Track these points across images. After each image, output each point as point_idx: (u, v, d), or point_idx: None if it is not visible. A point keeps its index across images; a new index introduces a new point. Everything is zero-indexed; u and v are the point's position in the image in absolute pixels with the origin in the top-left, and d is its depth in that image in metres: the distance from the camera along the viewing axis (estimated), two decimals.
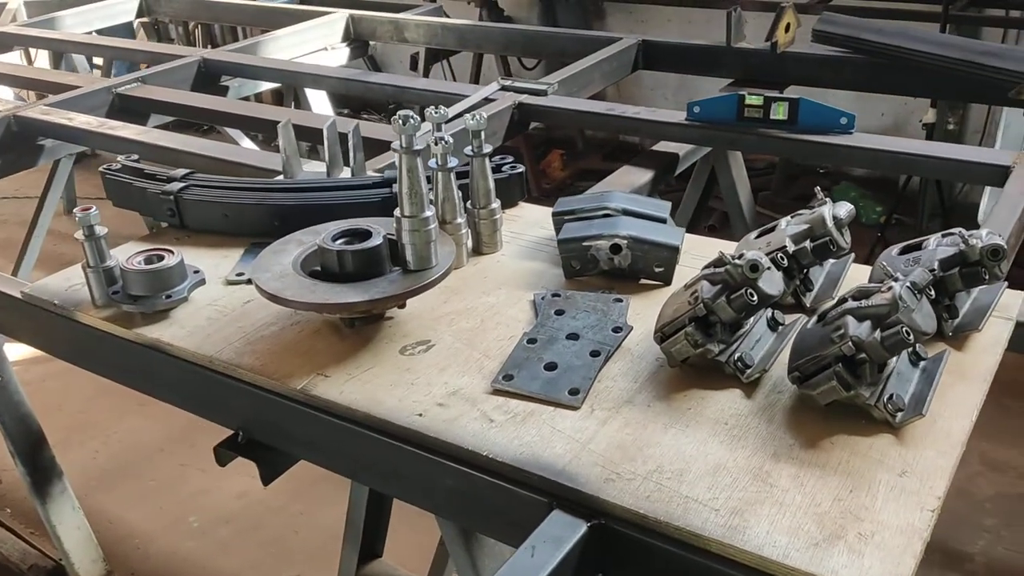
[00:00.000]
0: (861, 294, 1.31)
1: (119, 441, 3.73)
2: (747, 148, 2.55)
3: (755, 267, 1.36)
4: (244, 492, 3.36)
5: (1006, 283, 1.54)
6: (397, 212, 1.53)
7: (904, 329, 1.23)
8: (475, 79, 5.84)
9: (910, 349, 1.36)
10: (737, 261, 1.37)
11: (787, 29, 3.07)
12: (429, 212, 1.53)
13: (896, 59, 2.84)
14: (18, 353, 4.12)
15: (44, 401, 3.81)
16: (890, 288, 1.27)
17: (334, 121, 2.08)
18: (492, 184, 1.80)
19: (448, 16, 4.77)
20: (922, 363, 1.37)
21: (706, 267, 1.44)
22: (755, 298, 1.36)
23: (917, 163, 2.27)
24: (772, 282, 1.40)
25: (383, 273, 1.55)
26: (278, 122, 2.04)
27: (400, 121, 1.47)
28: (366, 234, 1.57)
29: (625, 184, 2.44)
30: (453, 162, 1.70)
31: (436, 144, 1.67)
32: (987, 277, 1.42)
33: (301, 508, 3.26)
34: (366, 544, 2.19)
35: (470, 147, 1.76)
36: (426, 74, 5.45)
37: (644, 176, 2.50)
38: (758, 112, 2.44)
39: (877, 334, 1.25)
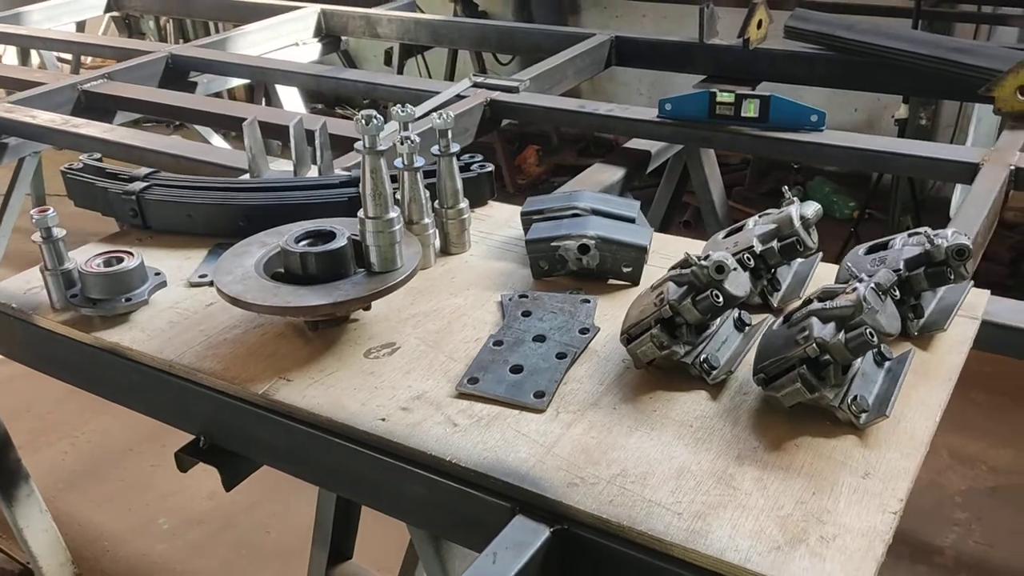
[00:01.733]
0: (826, 295, 1.31)
1: (88, 442, 3.68)
2: (719, 145, 2.55)
3: (721, 268, 1.35)
4: (215, 492, 3.31)
5: (972, 282, 1.54)
6: (361, 213, 1.51)
7: (868, 331, 1.23)
8: (450, 75, 5.81)
9: (875, 350, 1.35)
10: (703, 262, 1.36)
11: (759, 25, 3.07)
12: (394, 213, 1.51)
13: (868, 56, 2.85)
14: None
15: (11, 402, 3.78)
16: (854, 289, 1.27)
17: (301, 119, 2.05)
18: (460, 184, 1.78)
19: (422, 11, 4.75)
20: (887, 363, 1.36)
21: (672, 268, 1.43)
22: (721, 299, 1.35)
23: (887, 160, 2.27)
24: (738, 283, 1.39)
25: (347, 275, 1.53)
26: (247, 119, 2.01)
27: (363, 121, 1.45)
28: (330, 235, 1.55)
29: (596, 182, 2.43)
30: (419, 162, 1.68)
31: (402, 144, 1.65)
32: (952, 277, 1.42)
33: (273, 508, 3.24)
34: (335, 546, 2.17)
35: (437, 146, 1.74)
36: (400, 70, 5.42)
37: (616, 174, 2.49)
38: (729, 109, 2.43)
39: (841, 336, 1.24)
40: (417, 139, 1.65)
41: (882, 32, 2.85)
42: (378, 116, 1.45)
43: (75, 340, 1.63)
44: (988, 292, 1.57)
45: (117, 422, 3.71)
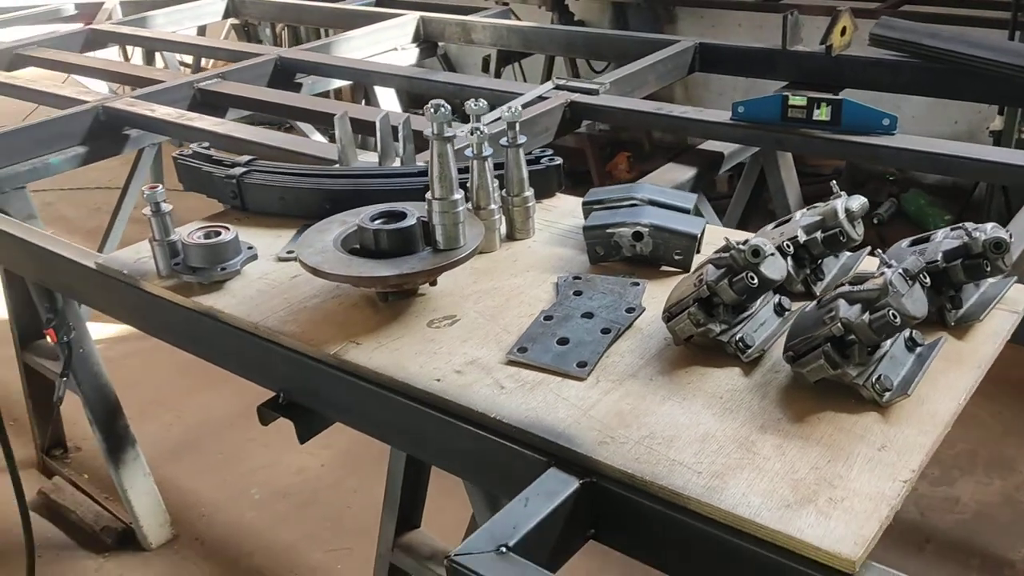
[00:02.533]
0: (857, 280, 1.38)
1: (191, 416, 3.94)
2: (790, 147, 2.60)
3: (757, 252, 1.44)
4: (303, 468, 3.53)
5: (1015, 278, 1.58)
6: (428, 195, 1.65)
7: (891, 312, 1.29)
8: (546, 81, 5.95)
9: (907, 335, 1.41)
10: (741, 246, 1.44)
11: (843, 33, 3.09)
12: (458, 195, 1.65)
13: (951, 63, 2.84)
14: (103, 332, 4.41)
15: (125, 377, 4.06)
16: (882, 274, 1.34)
17: (387, 115, 2.21)
18: (525, 173, 1.90)
19: (519, 19, 4.90)
20: (918, 349, 1.42)
21: (715, 252, 1.52)
22: (756, 281, 1.43)
23: (954, 164, 2.29)
24: (775, 267, 1.47)
25: (415, 251, 1.67)
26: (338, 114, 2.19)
27: (432, 109, 1.59)
28: (401, 215, 1.70)
29: (667, 180, 2.51)
30: (488, 151, 1.81)
31: (471, 134, 1.78)
32: (989, 269, 1.47)
33: (355, 485, 3.42)
34: (404, 514, 2.31)
35: (505, 138, 1.87)
36: (497, 76, 5.58)
37: (687, 173, 2.57)
38: (801, 112, 2.49)
39: (866, 316, 1.31)
40: (486, 130, 1.79)
41: (965, 40, 2.84)
42: (446, 105, 1.59)
43: (176, 304, 1.82)
44: None
45: (219, 399, 3.96)
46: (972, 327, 1.51)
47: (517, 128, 1.87)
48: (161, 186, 1.82)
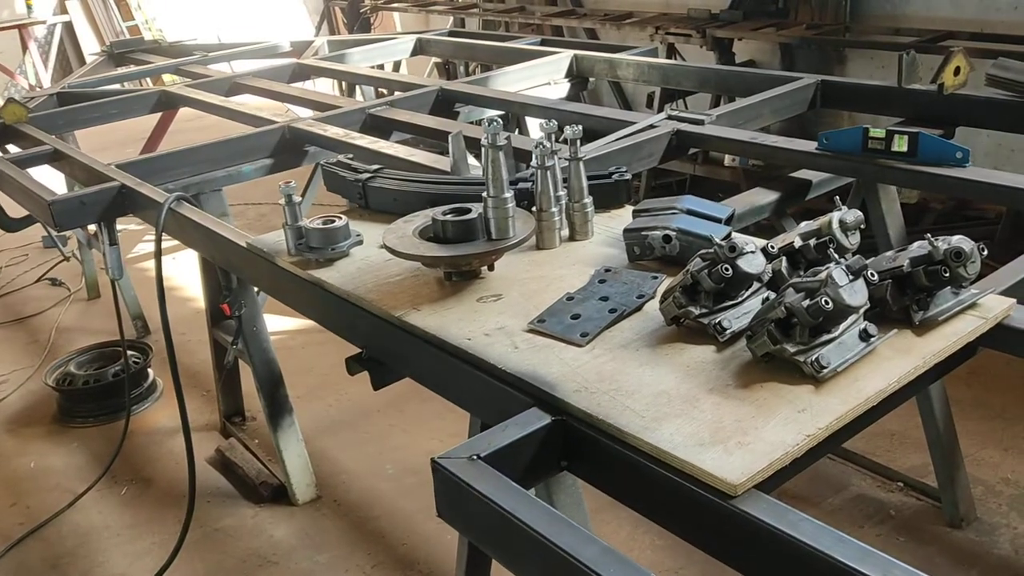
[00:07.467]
0: (811, 274, 1.61)
1: (348, 400, 4.49)
2: (869, 176, 2.75)
3: (733, 248, 1.69)
4: (432, 451, 3.91)
5: (990, 289, 1.73)
6: (484, 193, 2.02)
7: (824, 300, 1.52)
8: None
9: (861, 327, 1.62)
10: (721, 243, 1.71)
11: (956, 72, 3.19)
12: (508, 194, 2.00)
13: None
14: (285, 325, 5.08)
15: (298, 363, 4.69)
16: (827, 269, 1.56)
17: None
18: (585, 183, 2.22)
19: (684, 58, 5.18)
20: (872, 339, 1.62)
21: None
22: (729, 272, 1.69)
23: (1018, 195, 2.38)
24: (753, 263, 1.72)
25: (475, 240, 2.04)
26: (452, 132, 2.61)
27: (486, 123, 1.96)
28: (467, 211, 2.07)
29: (748, 203, 2.75)
30: (550, 163, 2.15)
31: (536, 147, 2.13)
32: (948, 275, 1.64)
33: None
34: None
35: (568, 152, 2.21)
36: (660, 110, 5.86)
37: (769, 197, 2.79)
38: (880, 144, 2.65)
39: (806, 302, 1.54)
40: (549, 145, 2.13)
41: None
42: (498, 120, 1.95)
43: (296, 275, 2.28)
44: (1014, 300, 1.74)
45: (371, 390, 4.48)
46: (936, 327, 1.68)
47: (578, 144, 2.19)
48: (293, 182, 2.29)
